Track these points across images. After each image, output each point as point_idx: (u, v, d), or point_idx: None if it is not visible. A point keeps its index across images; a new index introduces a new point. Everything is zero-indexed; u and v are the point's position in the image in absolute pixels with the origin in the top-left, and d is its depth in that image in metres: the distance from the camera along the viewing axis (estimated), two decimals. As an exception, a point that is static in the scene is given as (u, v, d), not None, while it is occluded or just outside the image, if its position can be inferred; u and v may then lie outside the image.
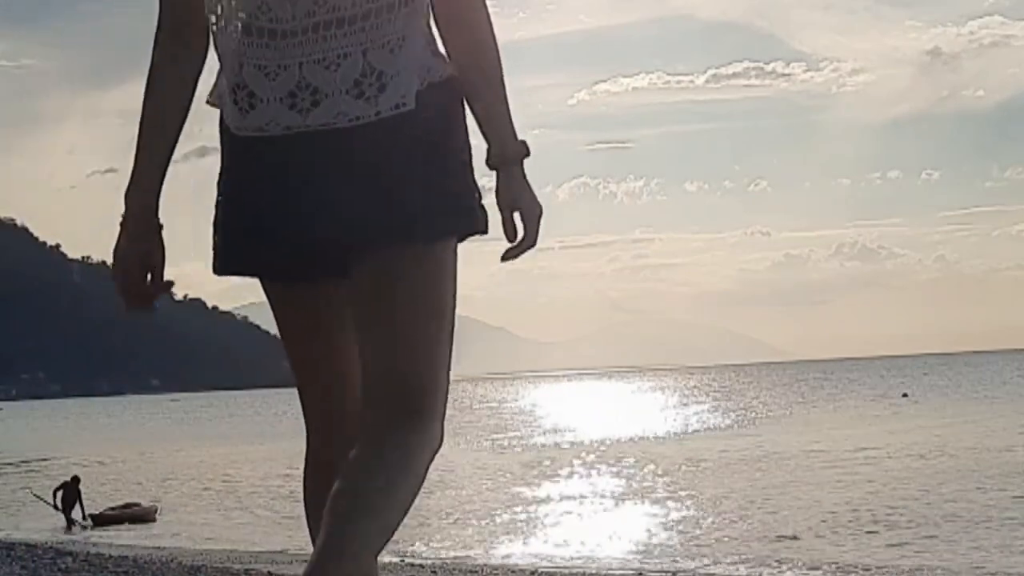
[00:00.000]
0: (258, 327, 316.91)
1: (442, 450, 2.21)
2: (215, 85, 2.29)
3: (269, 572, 12.36)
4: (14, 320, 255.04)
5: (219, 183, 2.31)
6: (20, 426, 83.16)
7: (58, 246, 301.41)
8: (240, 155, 2.25)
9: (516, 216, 2.31)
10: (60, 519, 21.64)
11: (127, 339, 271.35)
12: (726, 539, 15.46)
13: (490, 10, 2.29)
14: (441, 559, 14.65)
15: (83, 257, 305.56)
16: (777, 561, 13.79)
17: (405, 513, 2.23)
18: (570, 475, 25.47)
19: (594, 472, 25.87)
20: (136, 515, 21.78)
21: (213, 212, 2.32)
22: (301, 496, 2.37)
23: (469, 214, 2.26)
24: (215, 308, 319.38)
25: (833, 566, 13.25)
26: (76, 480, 22.53)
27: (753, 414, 50.28)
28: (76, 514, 21.83)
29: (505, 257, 2.33)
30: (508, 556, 14.89)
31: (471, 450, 34.58)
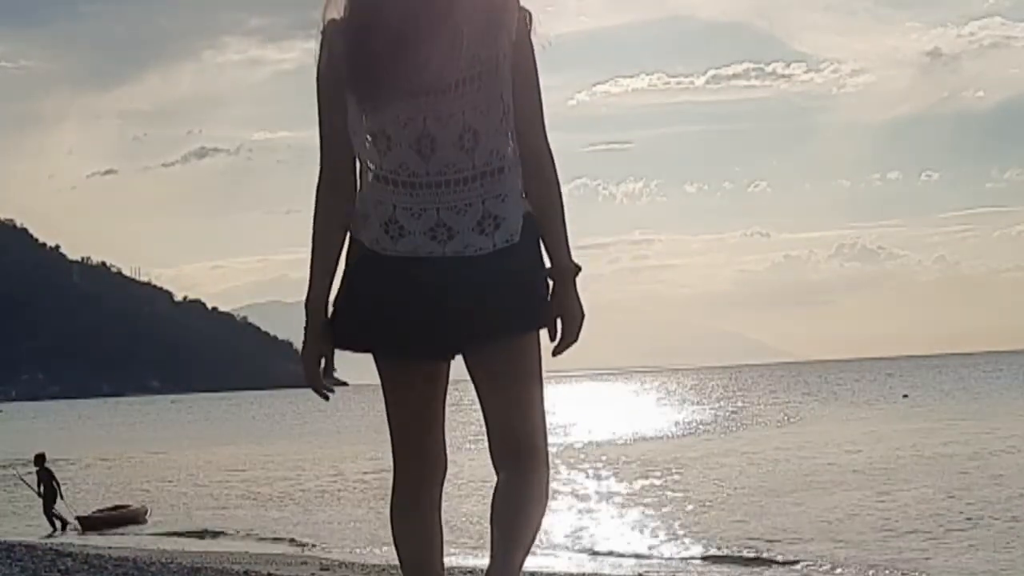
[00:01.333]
0: (257, 328, 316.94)
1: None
2: (354, 214, 3.17)
3: (269, 574, 12.37)
4: (13, 321, 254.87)
5: (352, 281, 3.16)
6: (19, 427, 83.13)
7: (58, 247, 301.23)
8: (387, 269, 3.12)
9: (559, 320, 3.22)
10: (57, 523, 21.25)
11: (127, 340, 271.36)
12: (724, 540, 15.47)
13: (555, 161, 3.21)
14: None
15: (83, 258, 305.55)
16: (772, 563, 13.81)
17: (539, 530, 3.33)
18: (568, 477, 25.48)
19: (592, 474, 25.88)
20: (126, 516, 21.48)
21: (343, 298, 3.18)
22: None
23: (549, 311, 3.22)
24: (215, 309, 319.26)
25: (828, 568, 13.28)
26: (41, 458, 21.71)
27: (750, 415, 50.28)
28: (60, 507, 21.24)
29: (554, 353, 3.26)
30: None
31: (469, 451, 34.58)
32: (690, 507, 19.16)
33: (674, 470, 25.99)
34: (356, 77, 3.07)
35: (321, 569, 13.39)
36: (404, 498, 3.39)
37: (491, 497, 3.26)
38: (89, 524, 20.88)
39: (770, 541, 15.24)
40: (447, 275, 3.09)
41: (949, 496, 18.93)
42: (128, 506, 22.52)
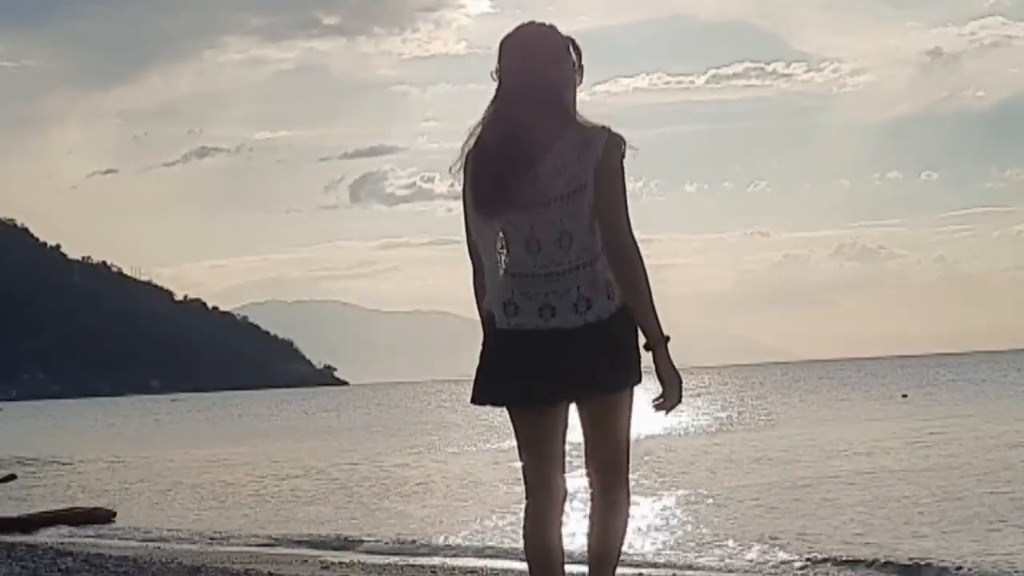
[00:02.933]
0: (258, 327, 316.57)
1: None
2: (487, 297, 4.36)
3: (270, 572, 12.38)
4: (14, 321, 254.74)
5: (486, 351, 4.34)
6: (19, 426, 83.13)
7: (58, 246, 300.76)
8: (505, 340, 4.28)
9: (662, 385, 4.34)
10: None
11: (127, 340, 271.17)
12: (722, 541, 15.45)
13: (634, 230, 4.29)
14: (441, 559, 14.67)
15: (83, 257, 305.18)
16: (771, 566, 13.80)
17: (624, 539, 4.54)
18: (572, 475, 25.46)
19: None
20: (83, 517, 19.99)
21: (480, 364, 4.36)
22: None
23: (638, 372, 4.35)
24: (215, 309, 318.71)
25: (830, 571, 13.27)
26: None
27: (749, 414, 50.28)
28: None
29: (657, 409, 4.38)
30: (508, 556, 14.90)
31: (471, 452, 34.56)
32: (689, 507, 19.15)
33: (670, 470, 25.99)
34: (480, 193, 4.25)
35: (322, 568, 13.39)
36: (534, 521, 4.45)
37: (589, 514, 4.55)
38: (16, 524, 19.26)
39: (766, 543, 15.23)
40: (551, 344, 4.22)
41: (945, 497, 18.92)
42: (80, 508, 21.07)
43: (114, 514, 20.79)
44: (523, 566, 14.10)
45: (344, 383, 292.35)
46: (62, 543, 16.21)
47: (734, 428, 41.44)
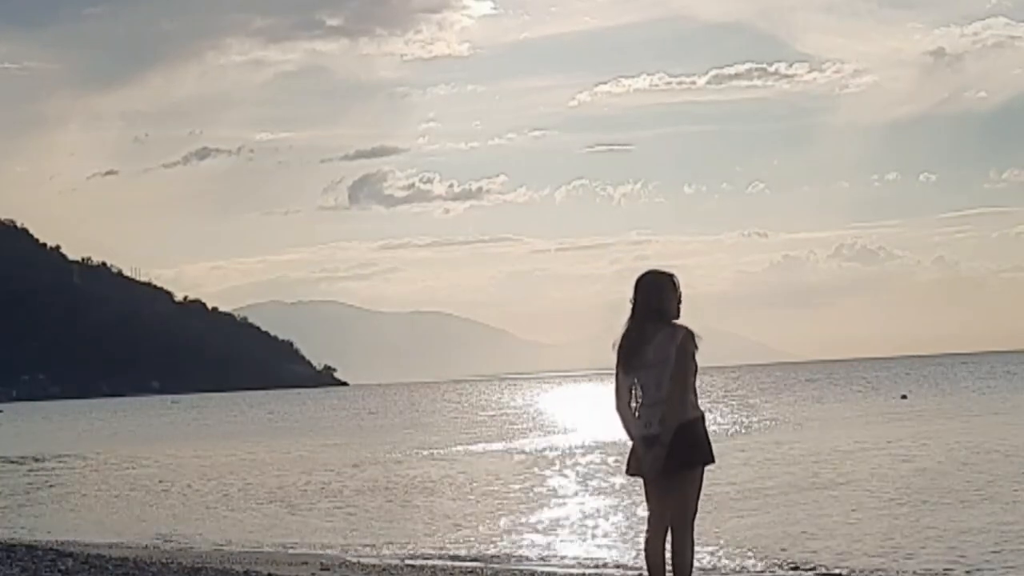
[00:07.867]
0: (258, 328, 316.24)
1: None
2: (634, 417, 8.17)
3: (269, 573, 12.40)
4: (14, 322, 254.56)
5: (631, 447, 8.20)
6: (19, 427, 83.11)
7: (58, 247, 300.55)
8: (638, 441, 8.08)
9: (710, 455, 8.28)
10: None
11: (127, 341, 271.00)
12: (724, 541, 15.46)
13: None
14: (441, 560, 14.68)
15: (83, 259, 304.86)
16: (777, 568, 13.82)
17: (694, 564, 8.17)
18: (572, 477, 25.50)
19: (596, 474, 25.88)
20: None
21: (630, 455, 8.23)
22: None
23: (710, 454, 8.12)
24: (215, 309, 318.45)
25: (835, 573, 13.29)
26: None
27: (749, 416, 50.26)
28: None
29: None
30: (508, 557, 14.93)
31: (471, 452, 34.59)
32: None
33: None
34: (624, 362, 8.05)
35: (321, 569, 13.41)
36: (652, 544, 8.03)
37: (671, 550, 8.04)
38: None
39: (767, 544, 15.25)
40: (650, 443, 7.95)
41: (946, 498, 18.93)
42: None
43: None
44: (528, 565, 14.18)
45: (344, 384, 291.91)
46: (62, 544, 16.22)
47: (735, 431, 41.41)
